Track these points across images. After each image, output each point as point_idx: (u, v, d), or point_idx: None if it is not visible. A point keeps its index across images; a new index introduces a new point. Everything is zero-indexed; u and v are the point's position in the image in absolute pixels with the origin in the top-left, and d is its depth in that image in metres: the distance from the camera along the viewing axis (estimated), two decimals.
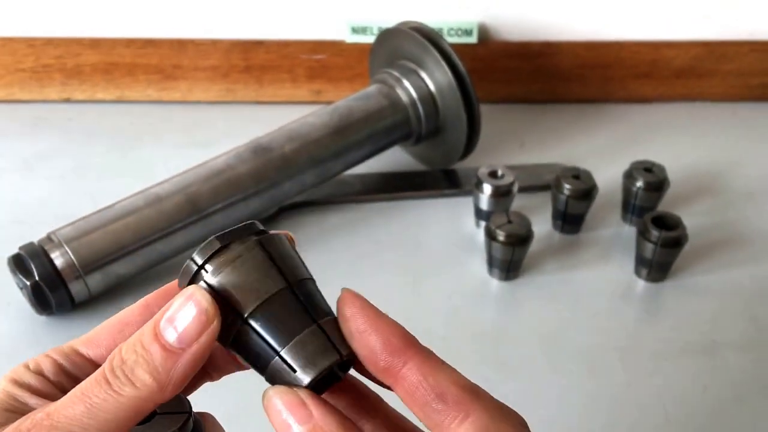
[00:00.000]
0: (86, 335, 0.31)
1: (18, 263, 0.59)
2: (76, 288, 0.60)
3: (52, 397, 0.28)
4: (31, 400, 0.28)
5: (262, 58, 0.87)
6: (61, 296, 0.59)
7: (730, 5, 0.88)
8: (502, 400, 0.28)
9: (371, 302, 0.29)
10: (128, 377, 0.26)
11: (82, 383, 0.27)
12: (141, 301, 0.32)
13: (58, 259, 0.59)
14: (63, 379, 0.30)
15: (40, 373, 0.29)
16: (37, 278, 0.58)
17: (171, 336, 0.27)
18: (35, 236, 0.61)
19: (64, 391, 0.28)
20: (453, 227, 0.73)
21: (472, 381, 0.28)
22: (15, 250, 0.60)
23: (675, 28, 0.89)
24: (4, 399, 0.28)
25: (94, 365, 0.30)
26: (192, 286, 0.28)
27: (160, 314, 0.27)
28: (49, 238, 0.60)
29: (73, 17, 0.86)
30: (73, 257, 0.59)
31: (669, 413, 0.55)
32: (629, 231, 0.72)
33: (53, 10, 0.85)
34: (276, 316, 0.28)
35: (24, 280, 0.58)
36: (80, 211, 0.63)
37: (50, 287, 0.58)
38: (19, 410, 0.28)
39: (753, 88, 0.92)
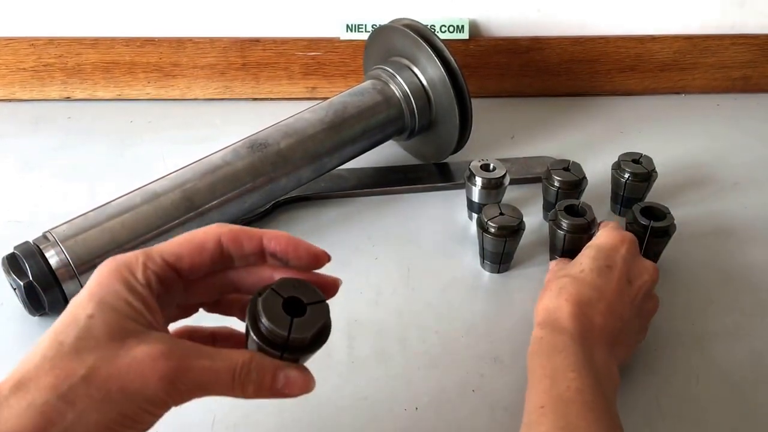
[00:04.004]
0: (171, 248, 0.36)
1: (12, 263, 0.55)
2: (71, 288, 0.55)
3: (149, 306, 0.34)
4: (139, 306, 0.34)
5: (258, 55, 0.84)
6: (54, 296, 0.55)
7: (710, 0, 0.85)
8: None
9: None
10: (244, 386, 0.35)
11: (221, 365, 0.34)
12: (216, 234, 0.37)
13: (53, 258, 0.54)
14: (157, 288, 0.35)
15: (149, 285, 0.35)
16: (30, 278, 0.54)
17: (280, 385, 0.35)
18: (33, 235, 0.57)
19: (154, 298, 0.35)
20: (446, 220, 0.69)
21: None
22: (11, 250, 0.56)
23: (658, 23, 0.87)
24: (125, 306, 0.33)
25: (177, 277, 0.36)
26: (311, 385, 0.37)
27: (280, 370, 0.35)
28: (45, 236, 0.56)
29: (73, 17, 0.83)
30: (68, 256, 0.54)
31: (662, 404, 0.52)
32: (618, 221, 0.68)
33: (54, 11, 0.82)
34: None
35: (17, 280, 0.54)
36: (79, 209, 0.59)
37: (44, 287, 0.54)
38: (131, 317, 0.33)
39: (734, 80, 0.90)
